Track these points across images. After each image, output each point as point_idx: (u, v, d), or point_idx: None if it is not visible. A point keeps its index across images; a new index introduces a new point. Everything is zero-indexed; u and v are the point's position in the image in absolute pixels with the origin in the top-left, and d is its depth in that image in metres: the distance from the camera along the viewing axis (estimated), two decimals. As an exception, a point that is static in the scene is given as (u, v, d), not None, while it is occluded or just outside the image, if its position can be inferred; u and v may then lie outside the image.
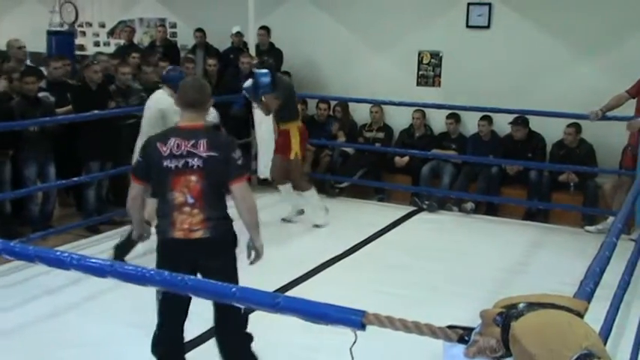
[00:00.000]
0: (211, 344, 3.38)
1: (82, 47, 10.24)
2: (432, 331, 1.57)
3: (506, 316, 1.15)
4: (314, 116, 8.03)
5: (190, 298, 3.09)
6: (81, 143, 6.28)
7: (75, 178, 6.15)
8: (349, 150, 7.91)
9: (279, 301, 1.90)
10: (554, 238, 6.28)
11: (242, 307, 2.80)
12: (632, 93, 6.01)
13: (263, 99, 6.14)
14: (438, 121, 7.76)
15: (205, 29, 8.94)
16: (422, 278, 5.07)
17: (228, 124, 6.79)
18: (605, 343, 1.65)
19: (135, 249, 5.00)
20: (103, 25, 10.45)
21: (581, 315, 1.14)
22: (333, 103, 8.11)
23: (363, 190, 7.70)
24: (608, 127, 6.43)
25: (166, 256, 3.17)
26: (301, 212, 6.50)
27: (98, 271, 2.15)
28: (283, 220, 6.45)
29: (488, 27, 7.53)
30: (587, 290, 1.98)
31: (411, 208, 7.09)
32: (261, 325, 3.30)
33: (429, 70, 7.93)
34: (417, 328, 1.64)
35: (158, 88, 6.96)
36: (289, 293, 4.28)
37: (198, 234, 3.07)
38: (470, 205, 7.05)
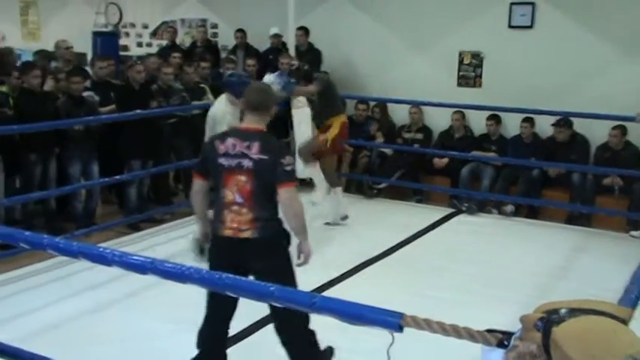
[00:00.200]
0: (250, 341, 3.41)
1: (125, 48, 10.44)
2: (471, 335, 1.55)
3: (548, 321, 1.13)
4: (352, 117, 8.01)
5: (236, 300, 3.14)
6: (123, 142, 6.41)
7: (117, 177, 6.27)
8: (387, 151, 7.87)
9: (315, 301, 1.91)
10: (598, 242, 6.14)
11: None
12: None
13: (295, 91, 6.41)
14: (477, 123, 7.66)
15: (246, 30, 9.01)
16: (460, 281, 5.02)
17: (267, 124, 6.83)
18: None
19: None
20: (145, 26, 10.63)
21: (625, 322, 1.11)
22: (371, 103, 8.09)
23: (401, 191, 7.66)
24: (655, 129, 6.27)
25: (216, 253, 3.26)
26: (345, 217, 6.47)
27: (139, 268, 2.20)
28: (327, 224, 6.42)
29: (531, 27, 7.40)
30: (631, 297, 1.94)
31: (450, 210, 7.03)
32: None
33: (470, 71, 7.84)
34: (455, 332, 1.62)
35: (199, 88, 7.10)
36: (325, 293, 4.29)
37: (247, 234, 3.13)
38: (510, 208, 6.94)
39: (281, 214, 3.25)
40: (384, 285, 4.84)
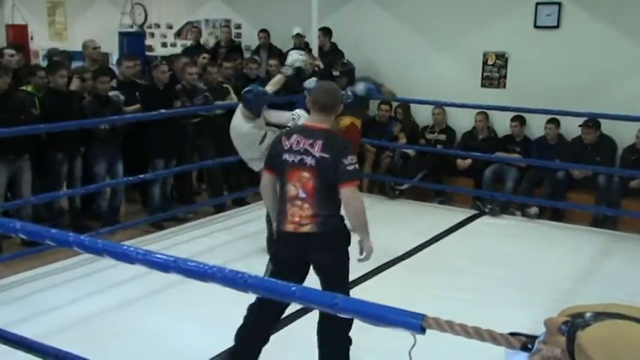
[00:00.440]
0: (279, 339, 3.41)
1: (150, 48, 10.54)
2: (494, 338, 1.54)
3: (572, 325, 1.11)
4: (375, 117, 8.01)
5: None
6: (147, 141, 6.47)
7: (141, 176, 6.33)
8: (410, 152, 7.84)
9: (337, 302, 1.91)
10: (624, 246, 6.04)
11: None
12: None
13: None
14: (501, 124, 7.60)
15: (269, 30, 9.04)
16: (482, 283, 4.98)
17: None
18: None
19: None
20: (170, 27, 10.72)
21: (652, 327, 1.09)
22: (394, 104, 8.06)
23: (423, 192, 7.62)
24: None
25: (280, 246, 3.38)
26: None
27: (162, 266, 2.21)
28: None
29: (557, 27, 7.31)
30: (658, 301, 1.90)
31: (473, 212, 6.97)
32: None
33: (494, 72, 7.78)
34: (478, 334, 1.61)
35: (222, 88, 7.14)
36: (347, 294, 4.27)
37: (307, 228, 3.22)
38: (534, 210, 6.87)
39: (343, 212, 3.32)
40: (406, 286, 4.82)
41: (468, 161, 7.46)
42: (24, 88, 6.04)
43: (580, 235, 6.34)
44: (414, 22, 8.21)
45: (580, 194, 6.92)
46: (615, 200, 6.65)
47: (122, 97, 6.48)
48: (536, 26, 7.43)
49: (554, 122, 7.04)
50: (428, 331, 1.73)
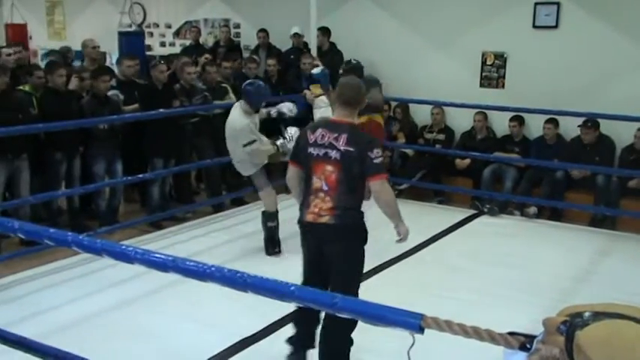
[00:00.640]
0: (260, 346, 3.42)
1: (148, 47, 10.53)
2: (492, 337, 1.54)
3: (571, 324, 1.11)
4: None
5: (327, 283, 3.27)
6: (146, 141, 6.46)
7: (140, 175, 6.33)
8: (409, 151, 7.84)
9: (336, 301, 1.91)
10: (623, 245, 6.04)
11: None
12: None
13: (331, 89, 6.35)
14: (500, 124, 7.60)
15: (268, 30, 9.04)
16: (481, 283, 4.98)
17: (288, 124, 6.84)
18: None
19: None
20: (169, 26, 10.71)
21: (651, 327, 1.09)
22: (393, 104, 8.06)
23: (422, 192, 7.62)
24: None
25: (301, 236, 3.49)
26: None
27: (161, 265, 2.21)
28: None
29: (556, 27, 7.31)
30: (657, 301, 1.90)
31: (472, 212, 6.97)
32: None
33: (493, 72, 7.78)
34: (477, 334, 1.61)
35: (221, 87, 7.13)
36: (346, 294, 4.27)
37: (324, 219, 3.30)
38: (533, 210, 6.87)
39: (363, 206, 3.40)
40: (405, 286, 4.82)
41: (467, 161, 7.47)
42: (21, 87, 6.04)
43: (579, 235, 6.34)
44: (413, 22, 8.21)
45: (579, 194, 6.92)
46: (614, 200, 6.65)
47: (121, 97, 6.47)
48: (534, 26, 7.43)
49: (553, 122, 7.05)
50: (427, 330, 1.73)
